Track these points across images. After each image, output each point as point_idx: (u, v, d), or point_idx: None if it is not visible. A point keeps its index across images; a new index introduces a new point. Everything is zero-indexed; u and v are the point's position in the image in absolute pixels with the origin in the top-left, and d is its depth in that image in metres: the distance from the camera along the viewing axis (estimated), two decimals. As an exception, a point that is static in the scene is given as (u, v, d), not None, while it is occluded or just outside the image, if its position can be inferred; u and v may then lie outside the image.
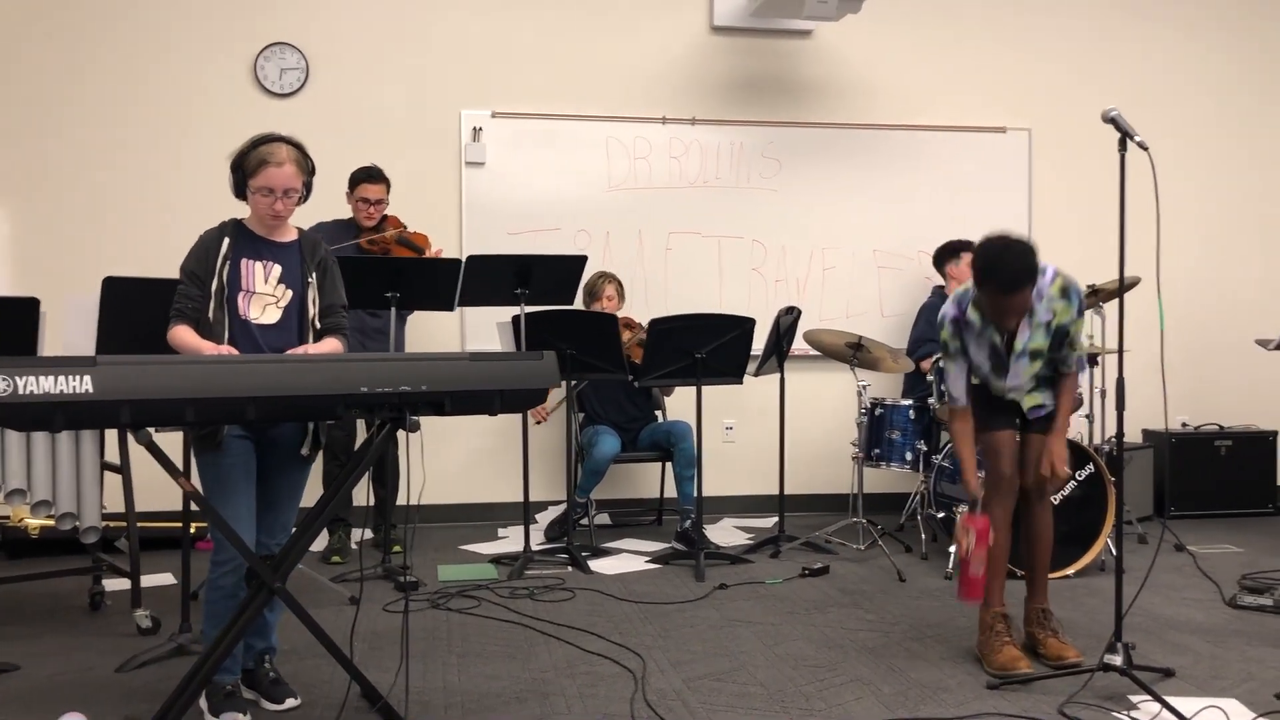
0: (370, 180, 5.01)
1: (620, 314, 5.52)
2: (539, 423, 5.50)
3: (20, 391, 2.33)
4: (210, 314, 3.01)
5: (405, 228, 5.09)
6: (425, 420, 2.84)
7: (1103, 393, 5.31)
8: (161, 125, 5.67)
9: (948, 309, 3.62)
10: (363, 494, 4.94)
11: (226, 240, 3.07)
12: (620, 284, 5.63)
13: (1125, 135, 3.22)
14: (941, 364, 3.95)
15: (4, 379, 2.32)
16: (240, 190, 3.09)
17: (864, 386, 5.31)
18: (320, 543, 5.13)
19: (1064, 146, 6.39)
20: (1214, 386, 6.58)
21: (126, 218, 5.63)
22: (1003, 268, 3.29)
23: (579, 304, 5.42)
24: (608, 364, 4.85)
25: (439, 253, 5.18)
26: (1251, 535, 5.67)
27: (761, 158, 6.20)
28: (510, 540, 5.47)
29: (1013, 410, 3.66)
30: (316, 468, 3.42)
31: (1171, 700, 3.05)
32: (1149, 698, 3.10)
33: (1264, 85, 6.70)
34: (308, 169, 3.12)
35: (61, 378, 2.36)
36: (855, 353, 5.25)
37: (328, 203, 4.73)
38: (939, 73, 6.35)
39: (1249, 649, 3.73)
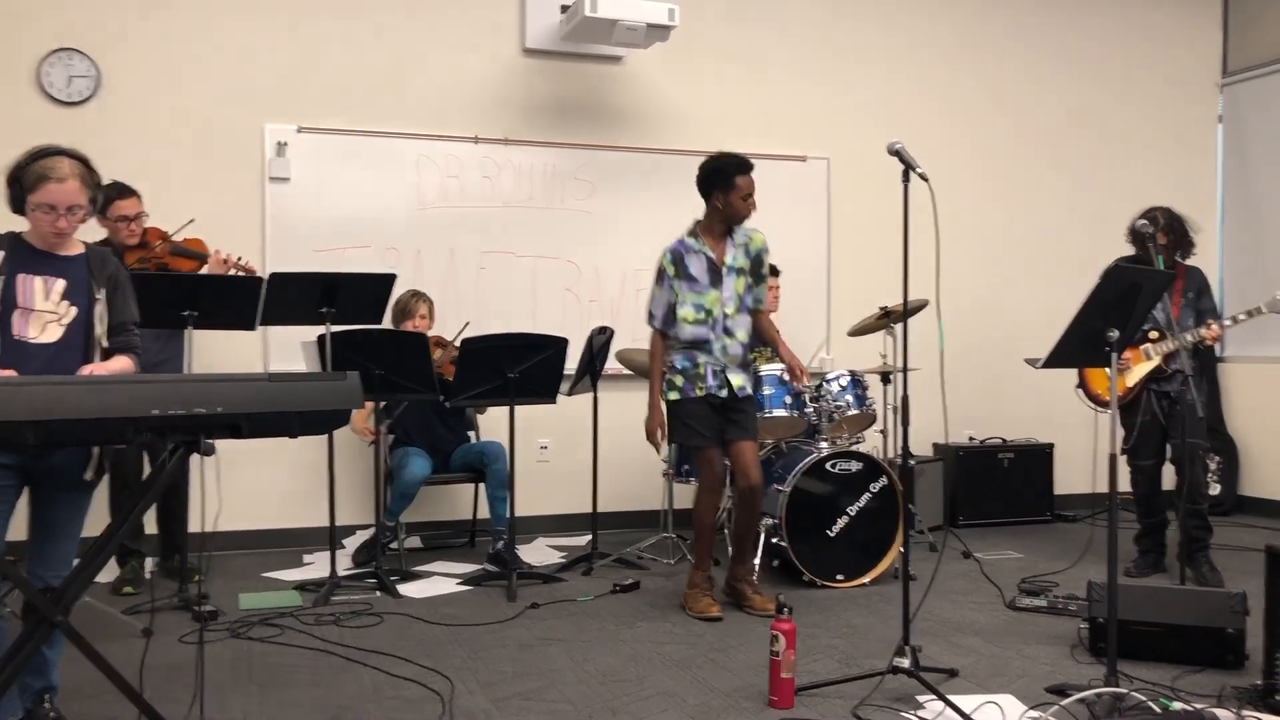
0: (122, 196, 4.69)
1: (431, 333, 5.47)
2: (371, 443, 5.33)
3: None
4: (-17, 333, 2.83)
5: (169, 235, 4.87)
6: (225, 442, 2.75)
7: (895, 409, 5.59)
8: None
9: (671, 244, 4.49)
10: (153, 522, 4.72)
11: (1, 255, 2.90)
12: (432, 303, 5.58)
13: (908, 167, 3.43)
14: (652, 291, 4.57)
15: None
16: (18, 206, 2.92)
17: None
18: (109, 574, 4.87)
19: (860, 175, 6.72)
20: (998, 402, 7.02)
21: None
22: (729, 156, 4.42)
23: (388, 323, 5.35)
24: (418, 384, 4.80)
25: (230, 257, 4.88)
26: (1031, 541, 6.08)
27: (575, 179, 6.28)
28: (316, 566, 5.33)
29: (716, 419, 4.43)
30: (101, 493, 3.25)
31: (954, 698, 3.25)
32: (934, 697, 3.28)
33: (1047, 118, 7.22)
34: (93, 183, 2.97)
35: None
36: (665, 372, 5.36)
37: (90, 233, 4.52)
38: (744, 102, 6.58)
39: (1025, 647, 4.00)
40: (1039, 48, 7.21)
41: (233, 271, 4.83)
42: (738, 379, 4.45)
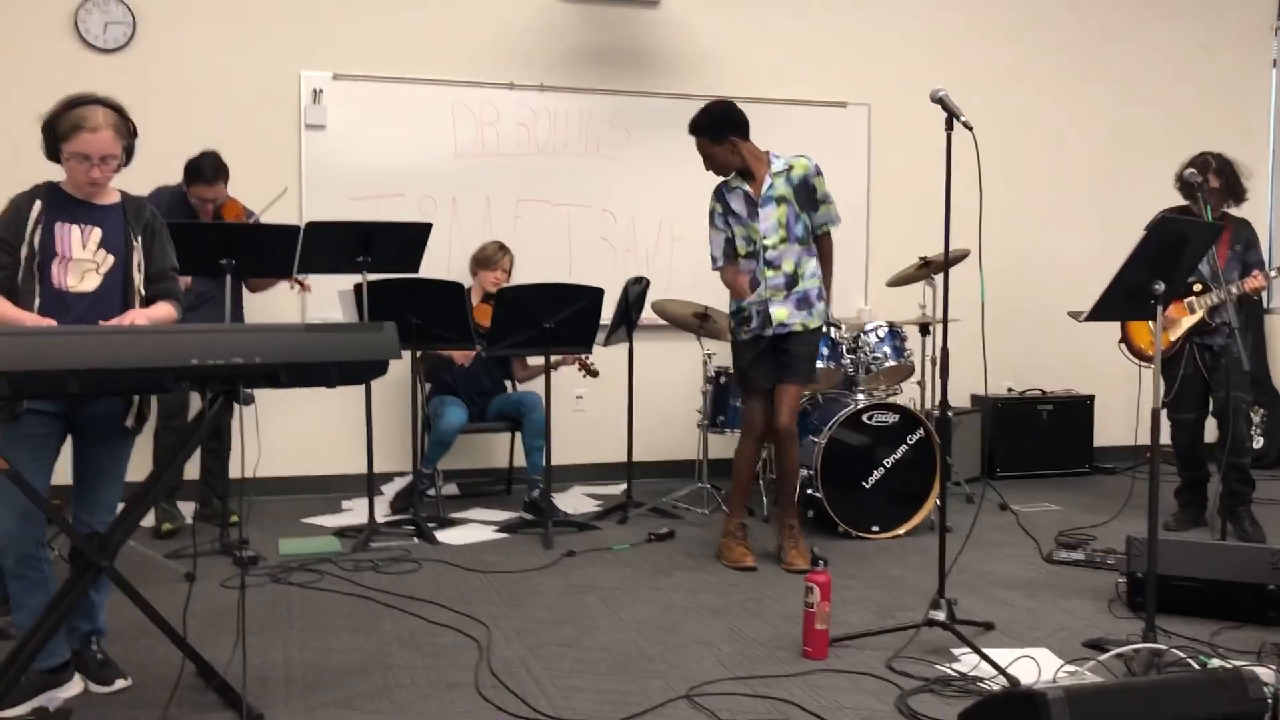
0: (198, 180, 4.73)
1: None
2: (462, 365, 5.41)
3: None
4: (20, 281, 2.85)
5: (247, 215, 4.89)
6: (263, 390, 2.77)
7: (933, 361, 5.53)
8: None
9: (718, 185, 4.50)
10: (192, 466, 4.78)
11: (39, 204, 2.91)
12: (513, 257, 5.60)
13: (951, 115, 3.36)
14: (709, 235, 4.55)
15: None
16: (53, 153, 2.93)
17: (710, 355, 5.40)
18: (150, 518, 4.94)
19: (901, 122, 6.60)
20: (1037, 353, 6.93)
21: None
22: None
23: (458, 273, 5.35)
24: (454, 334, 4.80)
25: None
26: (1070, 494, 6.03)
27: (610, 126, 6.21)
28: (354, 513, 5.39)
29: (769, 361, 4.39)
30: (144, 439, 3.29)
31: (989, 651, 3.24)
32: (970, 650, 3.28)
33: (1094, 65, 7.05)
34: (128, 132, 2.96)
35: None
36: (702, 323, 5.34)
37: (159, 165, 4.54)
38: (784, 48, 6.47)
39: (1062, 601, 3.98)
40: (1087, -10, 7.03)
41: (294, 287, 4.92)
42: (780, 312, 4.35)
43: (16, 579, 2.88)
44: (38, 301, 2.86)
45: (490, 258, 5.56)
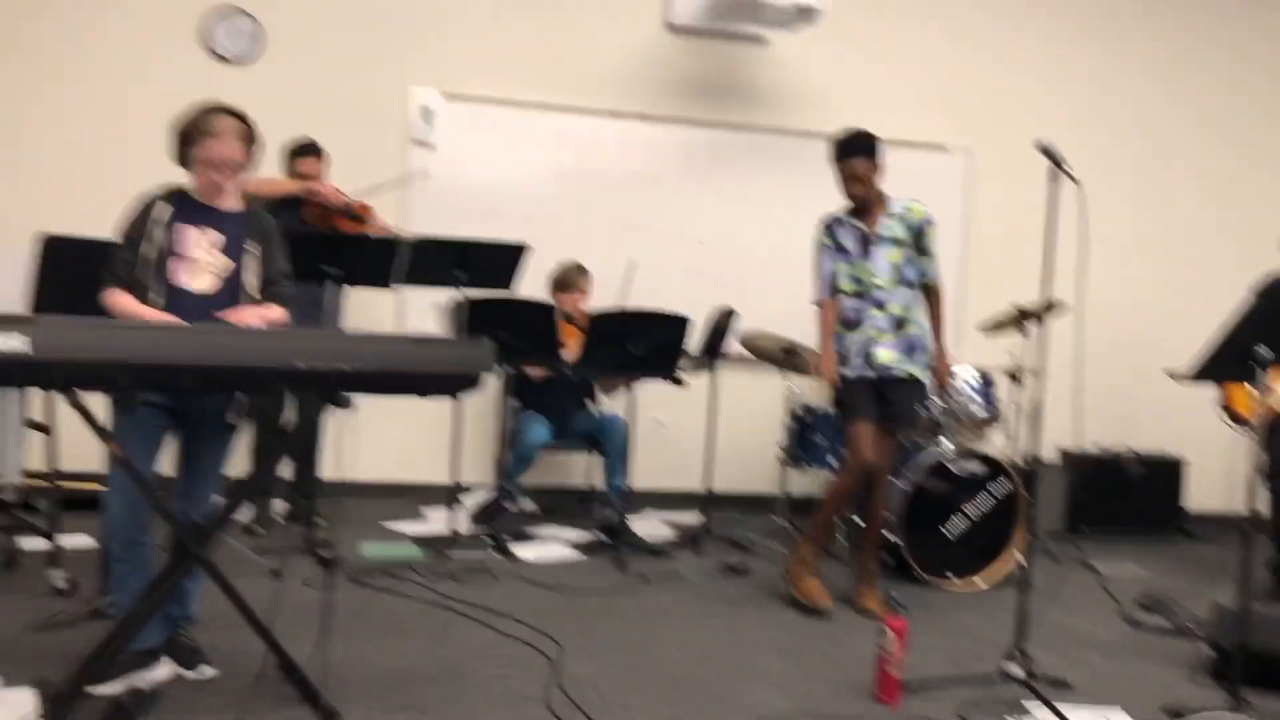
0: (305, 154, 5.04)
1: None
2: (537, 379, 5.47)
3: (-49, 346, 2.31)
4: (144, 279, 2.99)
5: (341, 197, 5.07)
6: (358, 396, 2.86)
7: (1021, 410, 5.45)
8: (103, 84, 5.57)
9: (825, 216, 4.45)
10: (286, 467, 4.92)
11: (166, 205, 3.05)
12: (592, 280, 5.66)
13: (1057, 165, 3.34)
14: (814, 266, 4.50)
15: (-65, 332, 2.30)
16: (182, 157, 3.07)
17: (793, 391, 5.40)
18: (243, 515, 5.09)
19: (1001, 169, 6.54)
20: (1128, 411, 6.79)
21: (62, 177, 5.52)
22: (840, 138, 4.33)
23: (539, 292, 5.44)
24: (544, 354, 4.88)
25: (379, 218, 5.13)
26: (1154, 557, 5.88)
27: (708, 159, 6.27)
28: (434, 522, 5.48)
29: (872, 398, 4.28)
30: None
31: (1064, 709, 3.18)
32: (1043, 705, 3.22)
33: (1212, 122, 6.92)
34: (251, 139, 3.10)
35: (-1, 335, 2.35)
36: (788, 358, 5.35)
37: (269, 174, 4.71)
38: (887, 90, 6.47)
39: (1142, 665, 3.89)
40: (1196, 43, 6.90)
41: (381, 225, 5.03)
42: (887, 355, 4.29)
43: (120, 561, 3.01)
44: (160, 300, 2.99)
45: (570, 280, 5.61)
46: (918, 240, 4.35)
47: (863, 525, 4.53)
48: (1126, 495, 6.41)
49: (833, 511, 4.41)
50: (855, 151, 4.27)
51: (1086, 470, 6.36)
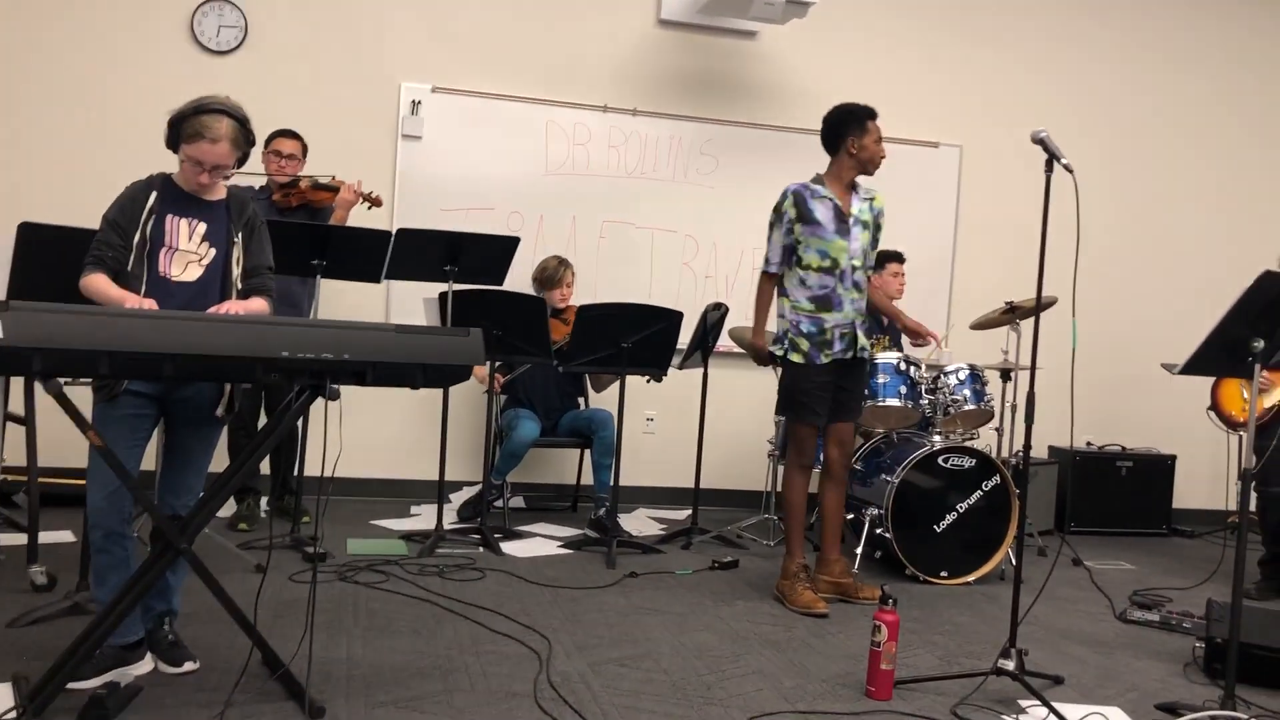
0: (285, 135, 4.97)
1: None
2: (487, 391, 5.38)
3: (-75, 331, 2.26)
4: (129, 267, 2.95)
5: (316, 178, 4.99)
6: (345, 390, 2.81)
7: (1013, 407, 5.44)
8: (90, 75, 5.51)
9: (792, 186, 4.25)
10: (266, 462, 4.87)
11: (154, 194, 3.01)
12: (575, 274, 5.63)
13: (1052, 157, 3.31)
14: (769, 235, 4.34)
15: (-91, 317, 2.25)
16: (173, 144, 3.03)
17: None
18: (227, 509, 5.04)
19: (993, 164, 6.54)
20: (1120, 409, 6.79)
21: (47, 166, 5.46)
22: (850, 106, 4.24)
23: (524, 286, 5.40)
24: (533, 347, 4.84)
25: (358, 185, 4.94)
26: (1145, 554, 5.87)
27: (699, 153, 6.24)
28: (422, 518, 5.44)
29: (829, 395, 4.24)
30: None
31: (1058, 706, 3.16)
32: (1038, 702, 3.20)
33: (1191, 125, 6.92)
34: (245, 144, 3.06)
35: (-30, 321, 2.29)
36: (778, 352, 5.30)
37: (256, 165, 4.66)
38: (877, 85, 6.44)
39: (1135, 661, 3.87)
40: (1187, 43, 6.90)
41: (361, 202, 4.94)
42: (863, 339, 4.28)
43: (101, 553, 2.95)
44: (144, 288, 2.95)
45: (554, 276, 5.57)
46: (876, 230, 4.36)
47: (824, 526, 4.42)
48: (1117, 493, 6.40)
49: (802, 516, 4.33)
50: (876, 113, 4.25)
51: (1077, 468, 6.34)
